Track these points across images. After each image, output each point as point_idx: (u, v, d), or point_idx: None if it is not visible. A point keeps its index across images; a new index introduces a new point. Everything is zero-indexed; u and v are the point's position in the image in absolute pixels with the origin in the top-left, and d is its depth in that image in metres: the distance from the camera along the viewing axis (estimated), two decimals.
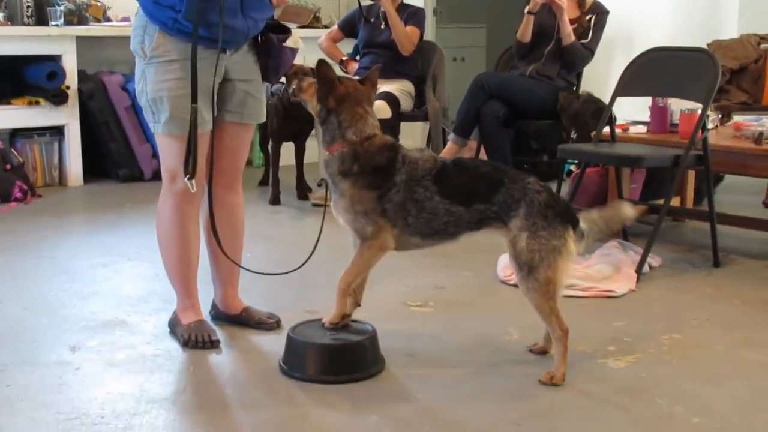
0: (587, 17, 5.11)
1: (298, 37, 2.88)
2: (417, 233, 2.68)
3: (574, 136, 5.27)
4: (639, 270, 3.71)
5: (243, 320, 3.11)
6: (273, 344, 2.91)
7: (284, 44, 2.82)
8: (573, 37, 5.00)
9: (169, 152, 2.81)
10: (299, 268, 2.93)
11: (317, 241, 2.90)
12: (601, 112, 4.56)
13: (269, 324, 3.09)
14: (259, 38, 2.89)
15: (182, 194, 2.82)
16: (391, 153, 2.67)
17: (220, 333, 3.00)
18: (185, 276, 2.98)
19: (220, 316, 3.16)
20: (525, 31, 5.09)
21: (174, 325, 3.03)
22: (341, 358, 2.69)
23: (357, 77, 5.38)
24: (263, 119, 3.04)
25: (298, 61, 5.17)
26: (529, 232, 2.58)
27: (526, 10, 5.05)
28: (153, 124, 2.82)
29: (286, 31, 2.89)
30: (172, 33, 2.71)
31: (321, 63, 2.72)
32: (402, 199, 2.64)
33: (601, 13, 5.14)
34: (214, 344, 2.91)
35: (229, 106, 2.91)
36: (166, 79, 2.74)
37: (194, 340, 2.91)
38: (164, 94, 2.74)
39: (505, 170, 2.71)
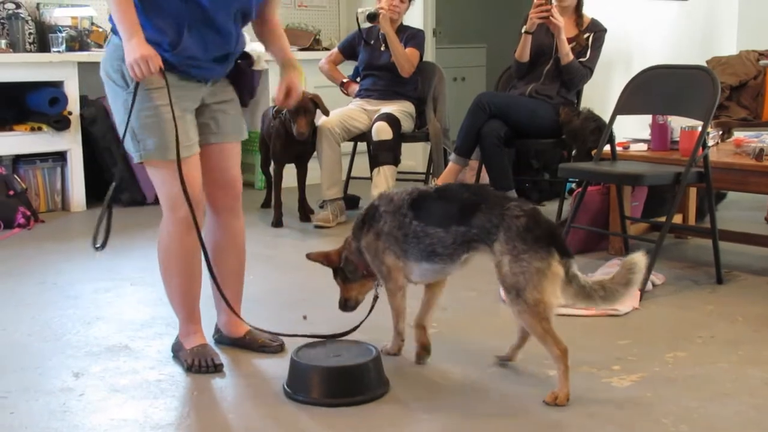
0: (585, 36, 5.13)
1: (262, 59, 2.95)
2: (418, 258, 2.84)
3: (573, 153, 5.29)
4: (642, 288, 3.70)
5: (246, 344, 3.11)
6: (277, 367, 2.91)
7: (253, 68, 2.92)
8: (571, 56, 5.01)
9: (165, 179, 2.82)
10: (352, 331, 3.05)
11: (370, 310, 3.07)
12: (600, 130, 4.57)
13: (273, 347, 3.09)
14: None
15: (183, 221, 2.82)
16: (369, 207, 2.99)
17: (223, 357, 3.00)
18: (188, 302, 2.98)
19: (224, 339, 3.16)
20: (523, 51, 5.11)
21: (177, 350, 3.02)
22: (345, 380, 2.69)
23: (357, 99, 5.47)
24: (245, 136, 3.08)
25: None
26: (511, 255, 2.63)
27: (522, 30, 5.06)
28: (139, 153, 2.82)
29: (249, 56, 2.97)
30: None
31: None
32: (389, 228, 2.86)
33: (599, 31, 5.15)
34: (217, 368, 2.91)
35: (211, 128, 2.95)
36: (154, 106, 2.76)
37: (198, 364, 2.91)
38: (151, 120, 2.76)
39: (486, 195, 2.80)
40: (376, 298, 3.08)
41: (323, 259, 3.07)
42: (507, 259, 2.64)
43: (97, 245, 2.84)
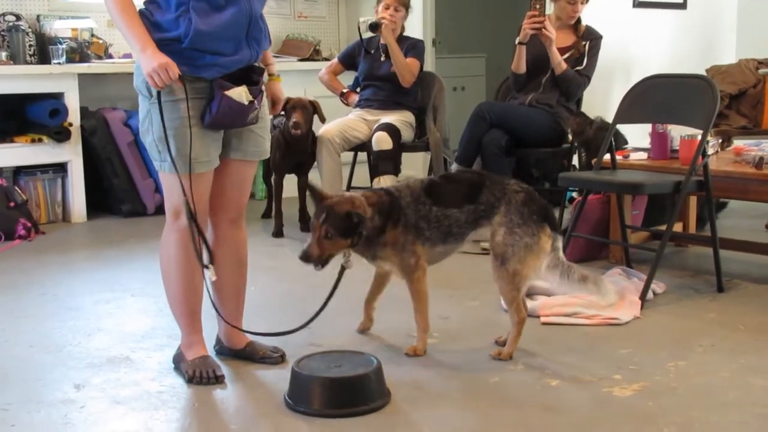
0: (582, 43, 5.15)
1: (244, 95, 2.79)
2: (438, 242, 3.06)
3: (575, 163, 5.29)
4: (643, 297, 3.70)
5: (247, 355, 3.11)
6: (278, 378, 2.90)
7: (225, 92, 2.75)
8: (564, 66, 5.04)
9: (174, 190, 2.82)
10: (305, 325, 3.04)
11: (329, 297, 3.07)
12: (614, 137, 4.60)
13: (274, 358, 3.08)
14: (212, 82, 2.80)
15: (186, 231, 2.83)
16: (388, 196, 3.06)
17: (224, 368, 2.99)
18: (190, 312, 2.98)
19: (225, 351, 3.16)
20: (519, 63, 5.14)
21: (179, 361, 3.02)
22: (346, 391, 2.68)
23: (357, 109, 5.48)
24: (267, 155, 3.06)
25: (299, 91, 5.27)
26: (506, 227, 2.97)
27: (516, 41, 5.09)
28: (159, 163, 2.82)
29: (238, 84, 2.79)
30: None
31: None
32: (414, 218, 3.02)
33: (595, 39, 5.19)
34: (219, 380, 2.91)
35: (234, 144, 2.93)
36: (173, 118, 2.76)
37: (199, 375, 2.90)
38: (171, 132, 2.76)
39: (486, 174, 3.15)
40: (342, 270, 3.07)
41: (320, 195, 2.98)
42: (502, 230, 2.97)
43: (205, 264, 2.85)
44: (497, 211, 2.99)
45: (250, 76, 2.85)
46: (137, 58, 2.70)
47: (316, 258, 2.95)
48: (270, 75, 3.08)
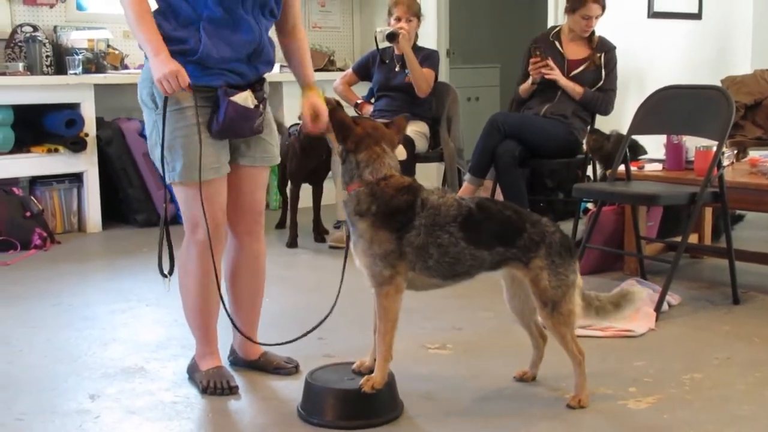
0: (597, 55, 5.16)
1: (249, 99, 2.80)
2: (438, 275, 2.70)
3: (589, 174, 5.28)
4: (658, 309, 3.69)
5: (261, 365, 3.11)
6: (292, 390, 2.91)
7: (230, 98, 2.76)
8: (579, 90, 5.10)
9: (189, 201, 2.83)
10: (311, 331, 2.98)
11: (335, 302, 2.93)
12: (632, 150, 4.58)
13: (288, 369, 3.09)
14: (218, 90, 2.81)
15: (205, 243, 2.83)
16: (410, 195, 2.66)
17: (239, 379, 3.00)
18: (205, 323, 2.99)
19: (239, 361, 3.16)
20: (527, 92, 5.29)
21: (193, 372, 3.03)
22: (359, 403, 2.67)
23: (382, 120, 5.48)
24: (277, 161, 3.05)
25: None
26: (550, 270, 2.71)
27: (530, 81, 5.21)
28: (169, 174, 2.82)
29: (243, 89, 2.81)
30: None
31: (333, 110, 2.76)
32: (423, 242, 2.63)
33: (610, 50, 5.21)
34: (232, 390, 2.91)
35: (242, 150, 2.93)
36: (181, 127, 2.77)
37: (213, 386, 2.91)
38: (179, 142, 2.77)
39: (524, 214, 2.80)
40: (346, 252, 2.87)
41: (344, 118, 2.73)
42: (546, 273, 2.70)
43: (164, 273, 2.85)
44: (535, 255, 2.69)
45: (252, 85, 2.86)
46: (149, 62, 2.70)
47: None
48: (309, 87, 3.00)
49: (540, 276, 2.70)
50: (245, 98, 2.79)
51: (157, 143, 2.80)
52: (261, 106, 2.86)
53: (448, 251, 2.64)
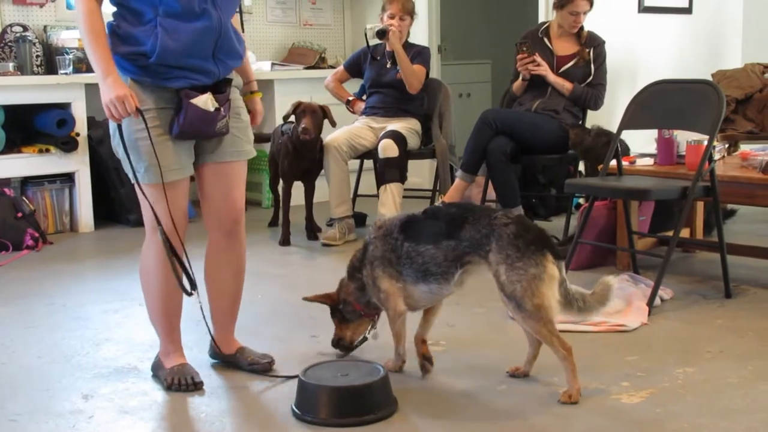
0: (587, 50, 5.17)
1: (209, 102, 2.77)
2: (414, 279, 2.87)
3: (581, 169, 5.29)
4: (650, 303, 3.70)
5: (236, 360, 3.11)
6: (285, 388, 2.91)
7: (190, 101, 2.74)
8: (568, 86, 5.11)
9: (152, 201, 2.82)
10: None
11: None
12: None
13: (262, 365, 3.08)
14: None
15: (162, 242, 2.82)
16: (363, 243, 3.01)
17: (234, 377, 3.00)
18: (168, 322, 2.99)
19: (216, 356, 3.17)
20: (519, 89, 5.30)
21: (157, 369, 3.04)
22: (353, 400, 2.68)
23: (363, 116, 5.49)
24: (250, 155, 3.02)
25: (305, 99, 5.29)
26: (506, 264, 2.70)
27: (521, 78, 5.21)
28: (133, 175, 2.81)
29: (204, 92, 2.78)
30: (144, 81, 2.74)
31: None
32: (381, 252, 2.90)
33: (599, 45, 5.21)
34: (197, 387, 2.92)
35: (208, 148, 2.90)
36: (140, 129, 2.74)
37: (177, 383, 2.92)
38: (141, 143, 2.75)
39: (471, 209, 2.89)
40: (364, 339, 3.13)
41: (323, 299, 3.12)
42: (503, 268, 2.70)
43: (189, 290, 2.83)
44: (489, 249, 2.72)
45: (217, 86, 2.83)
46: (99, 83, 2.67)
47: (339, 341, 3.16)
48: (251, 92, 3.09)
49: (498, 271, 2.71)
50: (205, 101, 2.76)
51: (120, 144, 2.78)
52: (222, 109, 2.82)
53: (400, 253, 2.87)
